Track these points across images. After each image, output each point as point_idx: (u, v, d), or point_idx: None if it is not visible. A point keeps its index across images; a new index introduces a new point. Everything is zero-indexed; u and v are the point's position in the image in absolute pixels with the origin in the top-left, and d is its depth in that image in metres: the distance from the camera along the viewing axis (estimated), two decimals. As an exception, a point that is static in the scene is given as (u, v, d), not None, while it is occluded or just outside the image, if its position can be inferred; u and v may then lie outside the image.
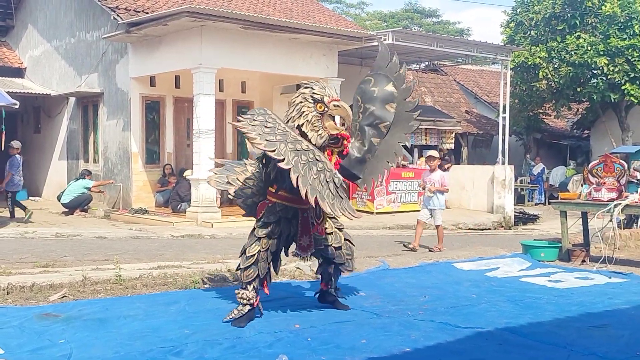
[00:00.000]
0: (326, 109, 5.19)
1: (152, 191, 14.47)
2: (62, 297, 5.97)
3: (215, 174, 5.94)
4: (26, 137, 18.39)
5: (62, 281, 6.43)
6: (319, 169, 4.77)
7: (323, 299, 5.84)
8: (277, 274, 5.70)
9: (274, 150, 4.69)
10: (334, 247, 5.60)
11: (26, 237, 10.36)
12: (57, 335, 4.72)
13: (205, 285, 6.61)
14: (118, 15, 13.35)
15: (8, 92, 12.91)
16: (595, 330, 5.23)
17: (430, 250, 9.75)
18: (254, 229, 5.33)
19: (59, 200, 14.32)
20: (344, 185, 4.93)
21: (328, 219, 5.63)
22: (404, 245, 10.27)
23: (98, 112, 15.39)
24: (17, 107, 11.78)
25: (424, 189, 10.40)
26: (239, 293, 5.23)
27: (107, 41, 14.32)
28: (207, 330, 4.96)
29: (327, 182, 4.75)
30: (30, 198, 16.94)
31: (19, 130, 18.44)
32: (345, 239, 5.71)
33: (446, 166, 16.93)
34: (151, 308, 5.60)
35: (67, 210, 14.12)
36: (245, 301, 5.17)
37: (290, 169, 4.65)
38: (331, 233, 5.61)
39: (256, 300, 5.22)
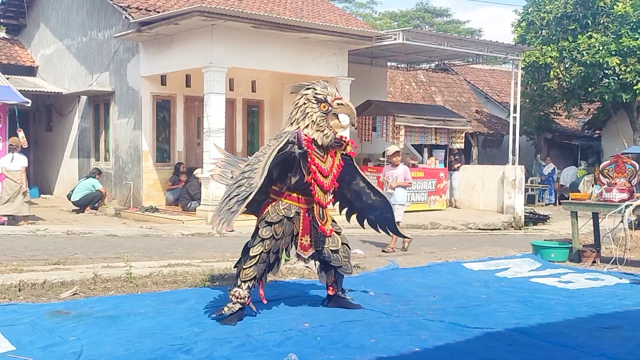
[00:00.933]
0: (330, 107, 5.25)
1: (162, 189, 14.53)
2: (73, 295, 6.00)
3: (219, 167, 5.96)
4: (38, 135, 18.53)
5: (73, 278, 6.47)
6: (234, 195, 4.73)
7: (333, 303, 5.81)
8: (274, 274, 5.70)
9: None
10: (331, 250, 5.59)
11: (37, 234, 10.43)
12: (68, 332, 4.75)
13: (215, 284, 6.62)
14: (129, 15, 13.42)
15: (20, 91, 13.03)
16: (605, 331, 5.20)
17: (383, 251, 9.47)
18: (258, 228, 5.33)
19: (69, 199, 14.43)
20: (248, 196, 4.68)
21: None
22: (383, 250, 9.70)
23: (109, 110, 15.47)
24: (29, 105, 11.89)
25: (383, 185, 9.94)
26: (231, 291, 5.21)
27: (119, 40, 14.39)
28: (216, 328, 4.97)
29: (229, 199, 4.67)
30: (41, 196, 17.07)
31: (31, 128, 18.56)
32: (342, 243, 5.71)
33: (456, 166, 16.90)
34: (161, 306, 5.62)
35: (77, 208, 14.21)
36: (236, 299, 5.13)
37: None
38: (330, 236, 5.61)
39: (247, 300, 5.20)
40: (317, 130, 5.23)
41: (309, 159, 5.21)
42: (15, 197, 11.65)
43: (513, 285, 7.10)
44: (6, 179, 11.74)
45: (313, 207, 5.38)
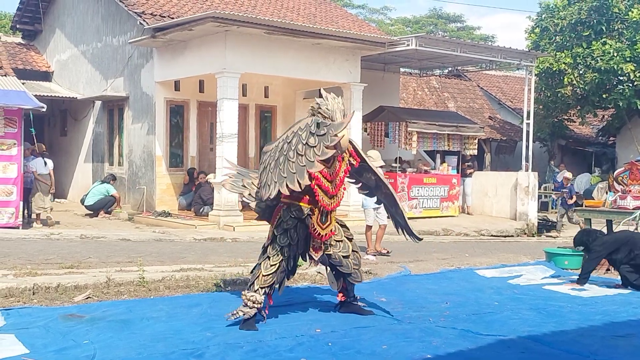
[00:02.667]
0: None
1: (175, 194, 14.60)
2: (87, 298, 6.05)
3: (230, 177, 6.01)
4: (53, 139, 18.67)
5: (87, 282, 6.52)
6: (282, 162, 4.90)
7: (345, 309, 5.82)
8: (293, 276, 5.75)
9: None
10: (342, 255, 5.62)
11: (52, 238, 10.51)
12: (81, 335, 4.79)
13: (227, 289, 6.64)
14: (144, 20, 13.51)
15: (36, 96, 13.13)
16: (619, 339, 5.16)
17: (386, 254, 9.49)
18: (275, 236, 5.34)
19: (82, 204, 14.52)
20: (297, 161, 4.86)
21: (339, 227, 5.69)
22: (366, 252, 9.61)
23: (123, 115, 15.57)
24: (44, 110, 11.97)
25: None
26: (246, 295, 5.20)
27: (133, 46, 14.50)
28: (228, 333, 4.99)
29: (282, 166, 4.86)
30: (55, 200, 17.17)
31: (46, 133, 18.72)
32: (353, 250, 5.72)
33: (469, 172, 16.84)
34: (173, 310, 5.65)
35: (91, 212, 14.30)
36: (252, 304, 5.14)
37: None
38: (340, 241, 5.63)
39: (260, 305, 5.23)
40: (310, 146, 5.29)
41: None
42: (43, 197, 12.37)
43: (526, 293, 7.07)
44: (36, 180, 12.40)
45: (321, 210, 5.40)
